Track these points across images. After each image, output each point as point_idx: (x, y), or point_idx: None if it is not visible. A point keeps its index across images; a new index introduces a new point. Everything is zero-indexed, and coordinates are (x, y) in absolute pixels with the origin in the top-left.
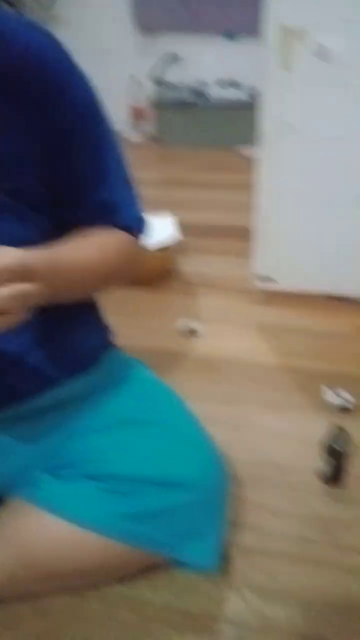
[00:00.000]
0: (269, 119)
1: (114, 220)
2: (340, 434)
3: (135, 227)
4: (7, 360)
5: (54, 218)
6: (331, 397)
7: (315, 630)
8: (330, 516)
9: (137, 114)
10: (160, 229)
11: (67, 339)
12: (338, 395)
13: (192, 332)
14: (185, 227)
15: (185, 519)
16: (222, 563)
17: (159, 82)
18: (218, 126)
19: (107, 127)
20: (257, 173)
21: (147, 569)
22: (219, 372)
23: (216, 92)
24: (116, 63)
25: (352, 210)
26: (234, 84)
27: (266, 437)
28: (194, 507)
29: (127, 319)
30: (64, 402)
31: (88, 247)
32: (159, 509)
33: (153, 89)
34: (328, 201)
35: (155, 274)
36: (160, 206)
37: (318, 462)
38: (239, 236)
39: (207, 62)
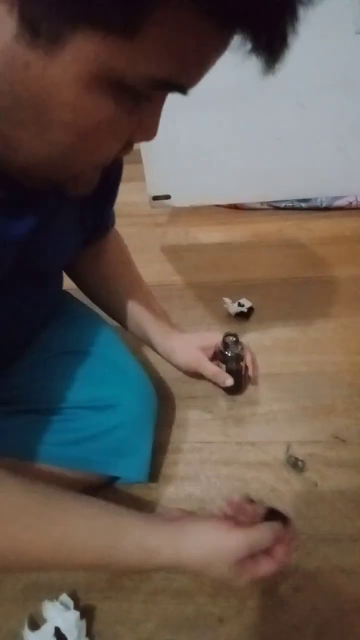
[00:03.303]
0: None
1: (110, 226)
2: (230, 339)
3: (114, 219)
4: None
5: None
6: (231, 307)
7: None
8: (228, 417)
9: None
10: None
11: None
12: (239, 304)
13: None
14: None
15: (117, 438)
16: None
17: None
18: None
19: None
20: None
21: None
22: None
23: None
24: None
25: (221, 106)
26: None
27: None
28: (124, 426)
29: None
30: None
31: (133, 281)
32: (93, 432)
33: None
34: (198, 99)
35: None
36: None
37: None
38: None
39: None
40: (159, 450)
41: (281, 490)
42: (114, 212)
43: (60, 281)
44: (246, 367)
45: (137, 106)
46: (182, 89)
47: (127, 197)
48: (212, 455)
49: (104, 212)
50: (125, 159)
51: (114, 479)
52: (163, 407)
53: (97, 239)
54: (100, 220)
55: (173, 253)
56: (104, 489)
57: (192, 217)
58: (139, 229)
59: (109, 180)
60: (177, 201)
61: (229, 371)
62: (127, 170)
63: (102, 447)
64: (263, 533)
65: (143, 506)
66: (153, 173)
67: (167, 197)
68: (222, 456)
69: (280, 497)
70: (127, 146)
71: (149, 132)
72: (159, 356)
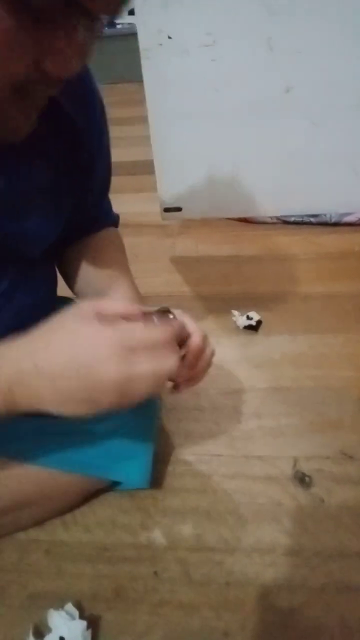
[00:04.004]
0: (146, 34)
1: (106, 222)
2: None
3: (116, 221)
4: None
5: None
6: (239, 319)
7: (222, 544)
8: (235, 430)
9: None
10: None
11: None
12: (248, 317)
13: None
14: None
15: (118, 443)
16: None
17: None
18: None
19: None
20: (145, 93)
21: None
22: None
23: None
24: None
25: (236, 123)
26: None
27: None
28: (125, 431)
29: None
30: None
31: (117, 272)
32: (93, 437)
33: None
34: (214, 115)
35: None
36: None
37: (225, 383)
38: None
39: None
40: (165, 461)
41: (288, 505)
42: (116, 215)
43: (50, 276)
44: (184, 356)
45: (38, 25)
46: (81, 8)
47: (138, 207)
48: (219, 468)
49: (94, 205)
50: (138, 169)
51: (115, 484)
52: (170, 418)
53: (88, 233)
54: (93, 212)
55: (182, 264)
56: (109, 500)
57: (202, 229)
58: (149, 239)
59: (80, 163)
60: (188, 213)
61: None
62: (139, 180)
63: (102, 451)
64: (133, 324)
65: (148, 517)
66: (165, 185)
67: (179, 209)
68: (229, 469)
69: (286, 512)
70: (44, 78)
71: (60, 63)
72: None
